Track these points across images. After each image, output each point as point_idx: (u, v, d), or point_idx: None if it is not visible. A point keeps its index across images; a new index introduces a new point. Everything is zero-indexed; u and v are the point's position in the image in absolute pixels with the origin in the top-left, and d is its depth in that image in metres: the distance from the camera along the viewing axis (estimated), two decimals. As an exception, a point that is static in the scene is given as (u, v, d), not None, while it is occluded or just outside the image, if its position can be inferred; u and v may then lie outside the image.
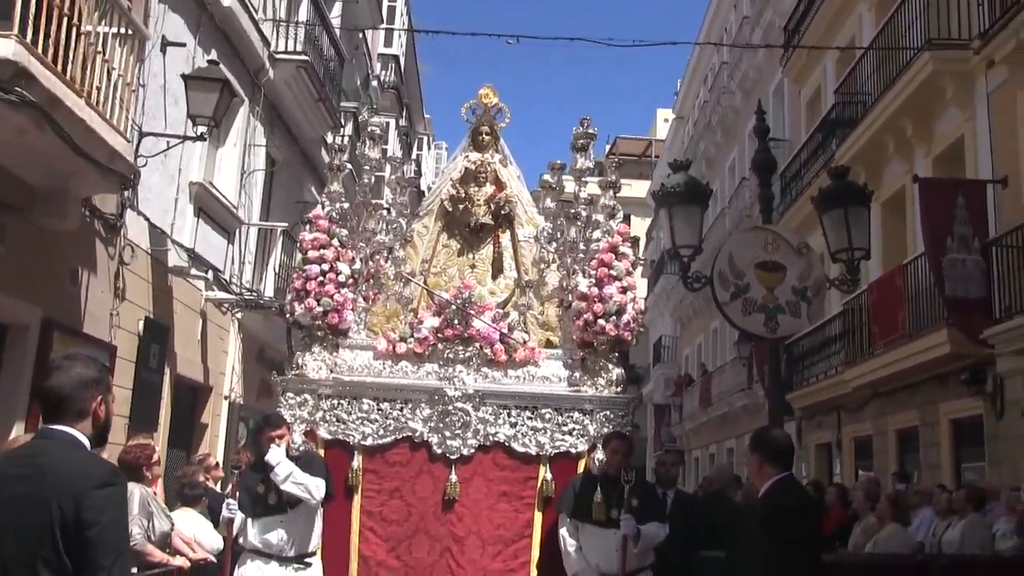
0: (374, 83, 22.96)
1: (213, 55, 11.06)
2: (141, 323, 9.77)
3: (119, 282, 9.15)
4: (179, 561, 6.44)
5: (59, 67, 6.53)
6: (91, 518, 2.88)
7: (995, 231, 11.10)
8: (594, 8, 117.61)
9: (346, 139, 16.20)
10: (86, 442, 3.12)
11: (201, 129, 9.49)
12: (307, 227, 7.68)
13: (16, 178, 7.15)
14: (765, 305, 6.84)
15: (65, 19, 6.73)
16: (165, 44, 9.81)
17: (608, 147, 48.05)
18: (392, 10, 24.72)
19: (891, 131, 13.87)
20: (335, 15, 16.94)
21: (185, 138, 9.69)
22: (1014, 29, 10.67)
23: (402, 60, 26.48)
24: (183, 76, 9.57)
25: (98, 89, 7.37)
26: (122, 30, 7.75)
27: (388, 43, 24.97)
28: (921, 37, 12.53)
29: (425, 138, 37.51)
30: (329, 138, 14.28)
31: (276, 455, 6.24)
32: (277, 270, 13.67)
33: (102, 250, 8.88)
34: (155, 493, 6.59)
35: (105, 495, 2.96)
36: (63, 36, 6.69)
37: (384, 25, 23.33)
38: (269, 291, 13.40)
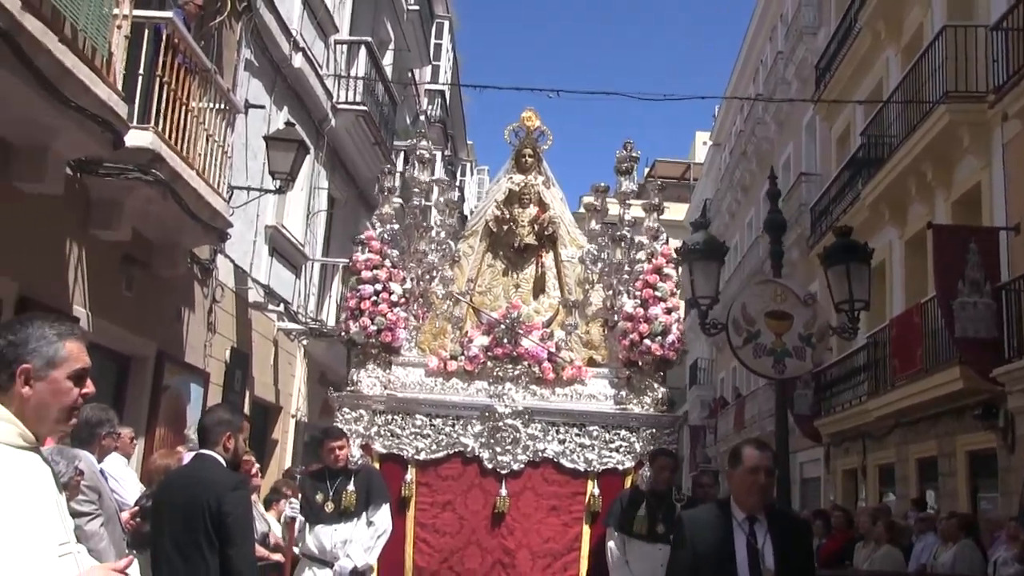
0: (422, 118, 24.13)
1: (285, 111, 12.27)
2: (228, 352, 11.02)
3: (211, 318, 10.40)
4: (276, 556, 7.19)
5: (177, 145, 7.71)
6: (227, 511, 4.31)
7: (1007, 275, 11.65)
8: (634, 32, 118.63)
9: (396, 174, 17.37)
10: (223, 462, 4.55)
11: (279, 183, 10.61)
12: (360, 248, 7.91)
13: (142, 237, 8.40)
14: (774, 349, 7.67)
15: (179, 102, 7.92)
16: (247, 107, 11.00)
17: (647, 170, 48.67)
18: (438, 47, 25.90)
19: (913, 174, 14.39)
20: (387, 62, 18.12)
21: (266, 191, 10.88)
22: (1025, 87, 11.50)
23: (447, 92, 27.65)
24: (264, 137, 10.76)
25: (201, 156, 8.54)
26: (219, 105, 8.93)
27: (435, 79, 26.13)
28: (941, 87, 13.35)
29: (468, 164, 38.59)
30: (385, 180, 15.33)
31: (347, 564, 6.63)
32: (338, 301, 14.81)
33: (199, 291, 10.14)
34: (255, 500, 7.58)
35: (235, 495, 4.41)
36: (180, 117, 7.88)
37: (432, 63, 24.48)
38: (330, 320, 14.56)
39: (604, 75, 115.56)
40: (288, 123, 11.31)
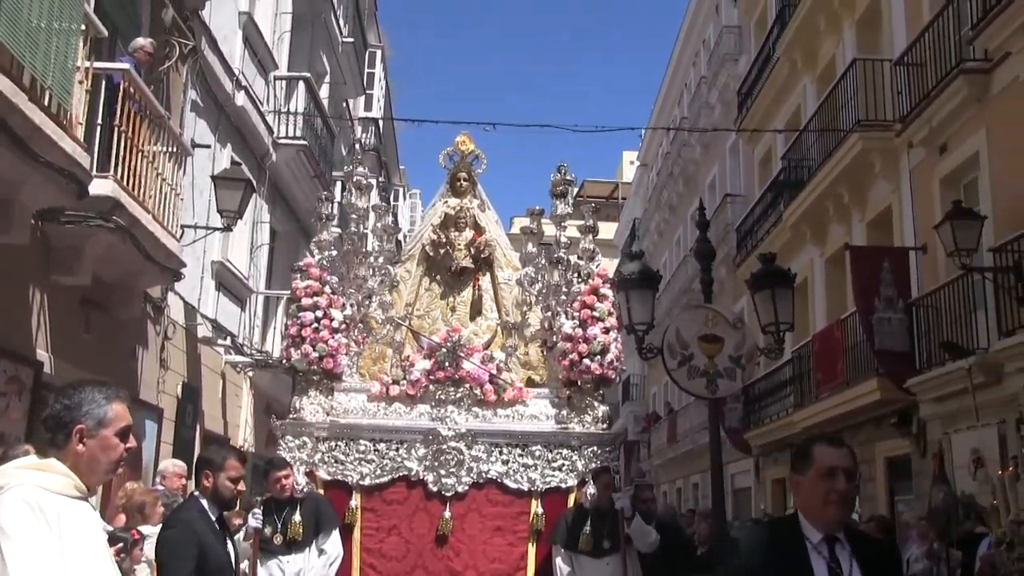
0: (356, 146, 24.42)
1: (229, 148, 12.58)
2: (180, 387, 11.24)
3: (164, 354, 10.63)
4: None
5: (134, 191, 8.02)
6: (157, 548, 4.68)
7: (917, 292, 12.48)
8: (564, 52, 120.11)
9: (334, 202, 17.67)
10: (204, 502, 4.80)
11: (227, 221, 10.91)
12: (299, 275, 7.97)
13: (100, 280, 8.64)
14: (707, 371, 8.13)
15: (135, 149, 8.23)
16: (194, 146, 11.28)
17: (575, 190, 48.97)
18: (371, 76, 26.22)
19: (830, 197, 15.22)
20: (324, 94, 18.46)
21: (214, 229, 11.17)
22: (927, 117, 12.31)
23: (380, 121, 27.94)
24: (212, 177, 11.05)
25: (154, 199, 8.84)
26: (171, 149, 9.24)
27: (368, 107, 26.42)
28: (854, 115, 14.16)
29: (400, 189, 38.81)
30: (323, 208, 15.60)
31: None
32: (281, 332, 15.07)
33: (151, 329, 10.38)
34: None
35: (162, 535, 4.73)
36: (135, 163, 8.18)
37: (365, 92, 24.80)
38: (275, 351, 14.82)
39: (533, 92, 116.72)
40: (234, 162, 11.64)
